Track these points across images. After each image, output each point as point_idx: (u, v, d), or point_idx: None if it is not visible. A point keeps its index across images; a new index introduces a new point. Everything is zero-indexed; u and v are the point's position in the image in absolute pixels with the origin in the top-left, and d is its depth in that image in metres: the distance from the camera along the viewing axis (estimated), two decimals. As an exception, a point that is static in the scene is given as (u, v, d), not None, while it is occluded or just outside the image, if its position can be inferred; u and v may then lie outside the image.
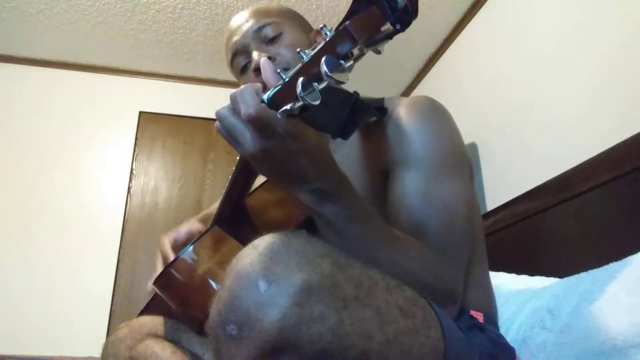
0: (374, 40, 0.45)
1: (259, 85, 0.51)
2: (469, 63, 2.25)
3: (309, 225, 0.66)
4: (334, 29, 0.42)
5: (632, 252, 0.86)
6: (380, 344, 0.48)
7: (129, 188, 2.59)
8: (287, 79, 0.45)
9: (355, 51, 0.44)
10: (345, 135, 0.53)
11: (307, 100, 0.42)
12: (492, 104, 1.99)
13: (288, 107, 0.45)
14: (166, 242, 0.95)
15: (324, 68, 0.40)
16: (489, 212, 1.82)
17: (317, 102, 0.42)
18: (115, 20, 2.34)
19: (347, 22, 0.40)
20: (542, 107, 1.68)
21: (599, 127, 1.41)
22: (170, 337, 0.92)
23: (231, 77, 3.28)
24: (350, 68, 0.43)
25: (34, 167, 2.50)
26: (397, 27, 0.41)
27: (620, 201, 1.24)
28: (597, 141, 1.35)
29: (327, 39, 0.42)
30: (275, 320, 0.43)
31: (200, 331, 0.80)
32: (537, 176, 1.61)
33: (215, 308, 0.48)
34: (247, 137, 0.51)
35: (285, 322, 0.43)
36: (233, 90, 0.52)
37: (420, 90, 2.79)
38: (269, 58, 0.82)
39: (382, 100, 0.81)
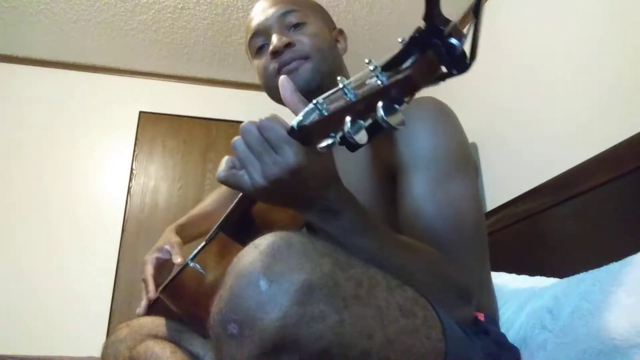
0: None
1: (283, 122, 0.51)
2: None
3: (312, 227, 0.66)
4: (380, 67, 0.40)
5: (632, 252, 0.86)
6: (380, 343, 0.48)
7: (129, 188, 2.59)
8: (326, 114, 0.44)
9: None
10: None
11: (355, 140, 0.41)
12: (492, 104, 2.00)
13: (330, 142, 0.44)
14: (149, 269, 0.95)
15: (380, 112, 0.39)
16: (489, 212, 1.82)
17: (365, 142, 0.41)
18: (115, 20, 2.34)
19: (410, 72, 0.37)
20: (542, 107, 1.68)
21: (599, 127, 1.41)
22: (170, 338, 0.92)
23: (231, 77, 3.26)
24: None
25: (33, 167, 2.50)
26: (454, 73, 0.39)
27: (620, 201, 1.24)
28: (597, 141, 1.35)
29: (386, 84, 0.39)
30: (276, 319, 0.43)
31: (207, 335, 0.80)
32: (537, 176, 1.61)
33: (216, 307, 0.48)
34: (255, 164, 0.50)
35: (286, 321, 0.43)
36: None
37: (420, 91, 2.78)
38: (289, 44, 0.82)
39: None
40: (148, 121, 2.75)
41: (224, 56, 2.62)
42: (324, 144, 0.45)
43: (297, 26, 0.84)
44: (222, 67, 2.72)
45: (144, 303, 0.95)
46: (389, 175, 0.74)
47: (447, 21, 0.37)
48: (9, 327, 2.21)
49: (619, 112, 1.35)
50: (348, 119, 0.41)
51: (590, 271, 0.91)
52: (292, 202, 0.54)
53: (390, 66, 0.40)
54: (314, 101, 0.47)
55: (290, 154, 0.49)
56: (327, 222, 0.55)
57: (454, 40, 0.37)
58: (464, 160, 0.73)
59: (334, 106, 0.44)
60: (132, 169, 2.64)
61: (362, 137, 0.42)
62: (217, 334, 0.47)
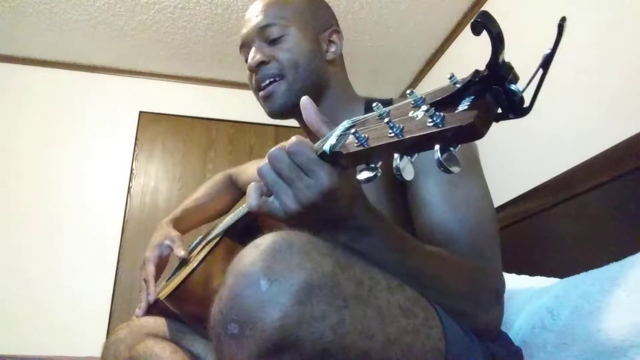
0: None
1: (309, 142, 0.50)
2: (469, 63, 2.25)
3: None
4: (433, 109, 0.38)
5: (632, 252, 0.86)
6: (381, 343, 0.48)
7: (129, 188, 2.59)
8: (367, 146, 0.42)
9: None
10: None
11: (403, 176, 0.40)
12: (492, 104, 1.99)
13: (371, 174, 0.44)
14: (151, 269, 0.96)
15: (438, 155, 0.37)
16: (489, 212, 1.82)
17: (411, 178, 0.41)
18: (115, 20, 2.34)
19: (474, 120, 0.35)
20: (542, 107, 1.68)
21: (599, 127, 1.41)
22: (171, 338, 0.92)
23: (231, 77, 3.24)
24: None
25: (33, 167, 2.49)
26: (511, 116, 0.38)
27: (620, 201, 1.24)
28: (597, 141, 1.36)
29: (447, 128, 0.36)
30: (276, 319, 0.43)
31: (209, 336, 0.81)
32: (537, 176, 1.61)
33: (216, 307, 0.48)
34: (285, 190, 0.49)
35: (286, 321, 0.43)
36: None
37: (420, 90, 2.79)
38: (262, 62, 0.83)
39: (391, 101, 0.81)
40: (148, 121, 2.75)
41: (224, 56, 2.62)
42: (364, 176, 0.44)
43: (275, 41, 0.84)
44: (222, 67, 2.72)
45: (143, 305, 0.95)
46: (397, 183, 0.74)
47: (509, 67, 0.37)
48: (9, 327, 2.21)
49: (619, 112, 1.35)
50: (396, 155, 0.41)
51: (590, 271, 0.91)
52: (324, 224, 0.53)
53: (442, 105, 0.38)
54: (349, 127, 0.45)
55: (324, 177, 0.47)
56: (359, 241, 0.54)
57: (514, 87, 0.37)
58: (472, 160, 0.73)
59: (374, 136, 0.42)
60: (132, 169, 2.64)
61: (409, 173, 0.41)
62: (218, 334, 0.47)
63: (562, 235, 1.44)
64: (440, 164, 0.37)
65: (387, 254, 0.55)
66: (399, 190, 0.74)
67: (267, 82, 0.84)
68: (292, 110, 0.84)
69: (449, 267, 0.60)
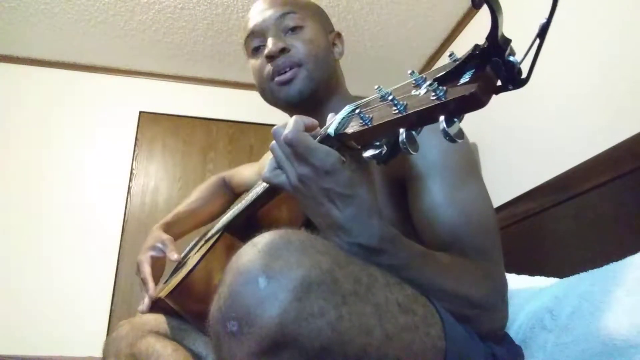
0: None
1: (312, 120, 0.53)
2: (469, 63, 2.24)
3: (310, 225, 0.65)
4: (436, 83, 0.39)
5: (632, 252, 0.86)
6: (379, 339, 0.48)
7: (129, 188, 2.59)
8: (370, 124, 0.44)
9: None
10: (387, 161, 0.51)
11: (409, 150, 0.42)
12: (492, 103, 1.99)
13: (377, 151, 0.45)
14: (146, 268, 0.95)
15: (443, 125, 0.39)
16: (489, 212, 1.82)
17: (417, 152, 0.42)
18: (115, 20, 2.34)
19: (475, 90, 0.37)
20: (542, 107, 1.68)
21: (599, 127, 1.41)
22: (172, 336, 0.92)
23: (231, 77, 3.24)
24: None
25: (34, 167, 2.50)
26: (510, 88, 0.39)
27: (620, 201, 1.24)
28: (597, 141, 1.36)
29: (449, 99, 0.38)
30: (275, 315, 0.43)
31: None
32: (537, 176, 1.61)
33: (215, 305, 0.48)
34: (288, 166, 0.53)
35: (284, 318, 0.43)
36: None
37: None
38: (284, 49, 0.83)
39: None
40: (148, 121, 2.75)
41: (224, 56, 2.62)
42: (370, 153, 0.45)
43: (293, 30, 0.85)
44: (222, 67, 2.72)
45: (147, 301, 0.94)
46: (400, 181, 0.74)
47: (507, 40, 0.38)
48: (9, 327, 2.21)
49: (619, 111, 1.34)
50: (402, 130, 0.42)
51: (590, 271, 0.91)
52: (321, 218, 0.54)
53: (445, 80, 0.40)
54: (353, 109, 0.46)
55: (320, 159, 0.50)
56: (367, 259, 0.54)
57: (513, 59, 0.38)
58: (472, 163, 0.74)
59: (378, 116, 0.43)
60: (132, 169, 2.64)
61: (415, 147, 0.42)
62: (217, 332, 0.47)
63: (562, 235, 1.44)
64: (446, 133, 0.39)
65: (395, 273, 0.55)
66: (400, 191, 0.74)
67: (287, 69, 0.83)
68: (309, 98, 0.83)
69: (461, 278, 0.60)
